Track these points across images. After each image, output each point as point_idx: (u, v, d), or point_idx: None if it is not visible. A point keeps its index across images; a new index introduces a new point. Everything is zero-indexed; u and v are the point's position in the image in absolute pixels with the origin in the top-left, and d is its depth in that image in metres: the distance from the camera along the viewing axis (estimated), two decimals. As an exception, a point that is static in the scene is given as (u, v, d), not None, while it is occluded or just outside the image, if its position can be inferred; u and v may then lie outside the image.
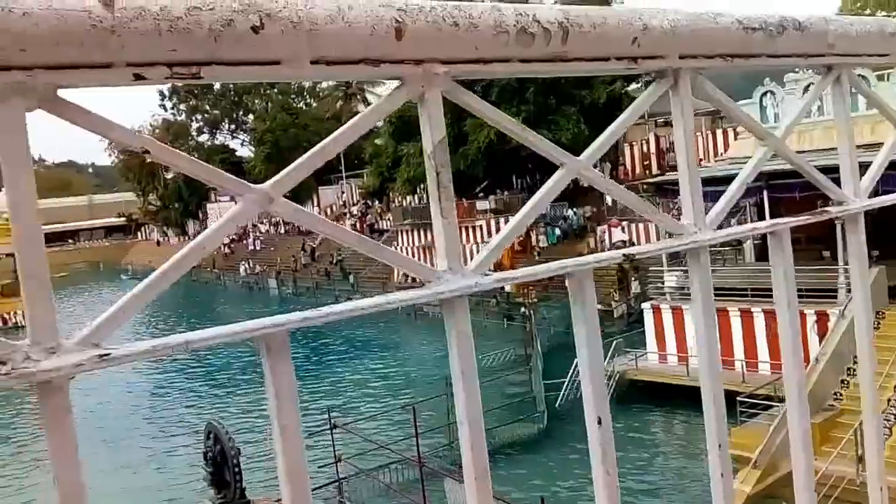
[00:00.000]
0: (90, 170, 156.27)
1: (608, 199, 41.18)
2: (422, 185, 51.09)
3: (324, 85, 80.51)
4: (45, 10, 0.76)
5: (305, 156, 0.94)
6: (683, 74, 1.28)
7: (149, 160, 0.85)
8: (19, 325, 53.41)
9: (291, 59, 0.89)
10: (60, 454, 0.79)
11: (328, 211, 71.08)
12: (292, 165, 0.93)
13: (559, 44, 1.10)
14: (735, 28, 1.34)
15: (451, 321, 1.03)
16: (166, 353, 0.83)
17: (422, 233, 48.90)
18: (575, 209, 44.68)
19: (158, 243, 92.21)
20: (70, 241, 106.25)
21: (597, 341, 1.18)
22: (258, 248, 72.06)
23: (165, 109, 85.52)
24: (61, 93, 0.80)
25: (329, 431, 19.76)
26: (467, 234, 45.12)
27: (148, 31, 0.80)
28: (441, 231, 1.02)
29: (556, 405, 24.54)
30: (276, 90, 79.42)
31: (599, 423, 1.18)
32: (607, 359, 25.29)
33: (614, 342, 26.28)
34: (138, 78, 0.82)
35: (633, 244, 38.25)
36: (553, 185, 1.11)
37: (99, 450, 24.04)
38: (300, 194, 75.45)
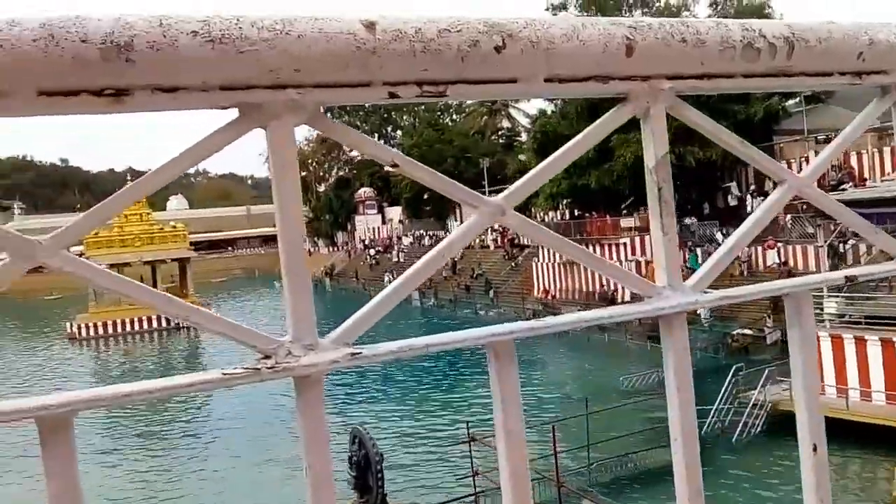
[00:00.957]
0: (249, 181, 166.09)
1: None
2: (564, 202, 50.74)
3: (468, 101, 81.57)
4: (317, 34, 0.82)
5: (533, 171, 0.97)
6: None
7: (397, 171, 0.90)
8: (181, 325, 57.24)
9: (528, 77, 0.93)
10: (313, 444, 0.85)
11: (470, 225, 71.80)
12: (523, 179, 0.96)
13: (784, 59, 1.08)
14: None
15: (668, 337, 1.03)
16: (410, 354, 0.88)
17: (564, 249, 48.25)
18: (725, 230, 42.93)
19: (310, 253, 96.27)
20: (229, 248, 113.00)
21: (813, 365, 1.14)
22: (402, 259, 73.95)
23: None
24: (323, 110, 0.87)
25: (467, 444, 19.92)
26: (609, 252, 44.31)
27: (404, 52, 0.85)
28: (661, 246, 1.02)
29: (702, 433, 23.57)
30: (423, 107, 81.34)
31: (815, 450, 1.13)
32: (758, 387, 24.07)
33: (767, 370, 24.96)
34: (392, 96, 0.87)
35: (788, 267, 36.26)
36: (775, 201, 1.09)
37: (247, 447, 25.33)
38: (442, 209, 77.20)
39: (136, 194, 0.81)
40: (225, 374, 0.81)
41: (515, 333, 0.93)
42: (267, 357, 0.83)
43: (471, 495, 19.31)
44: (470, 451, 19.81)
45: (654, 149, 1.02)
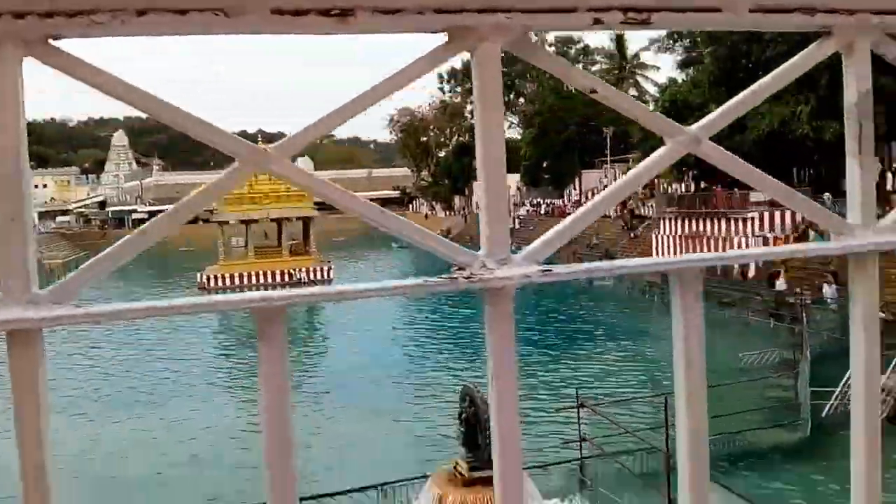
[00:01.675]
0: (372, 146, 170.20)
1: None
2: (691, 173, 49.14)
3: (595, 67, 79.81)
4: None
5: (730, 102, 0.95)
6: None
7: (594, 98, 0.91)
8: (301, 280, 59.47)
9: (732, 7, 0.91)
10: (500, 356, 0.89)
11: (589, 194, 71.04)
12: (719, 111, 0.95)
13: None
14: None
15: (860, 279, 1.00)
16: (597, 274, 0.90)
17: (685, 221, 47.04)
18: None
19: (426, 216, 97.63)
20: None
21: None
22: (517, 226, 73.83)
23: (443, 92, 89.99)
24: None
25: (575, 410, 19.87)
26: (737, 226, 42.71)
27: None
28: (858, 183, 0.99)
29: (822, 415, 22.62)
30: (547, 74, 79.98)
31: None
32: (888, 373, 22.76)
33: (899, 357, 23.54)
34: (596, 22, 0.88)
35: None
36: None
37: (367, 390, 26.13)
38: (561, 178, 76.09)
39: (350, 112, 0.85)
40: (426, 282, 0.86)
41: (699, 263, 0.94)
42: (462, 269, 0.87)
43: (575, 460, 19.30)
44: (578, 417, 19.74)
45: (857, 85, 0.99)
